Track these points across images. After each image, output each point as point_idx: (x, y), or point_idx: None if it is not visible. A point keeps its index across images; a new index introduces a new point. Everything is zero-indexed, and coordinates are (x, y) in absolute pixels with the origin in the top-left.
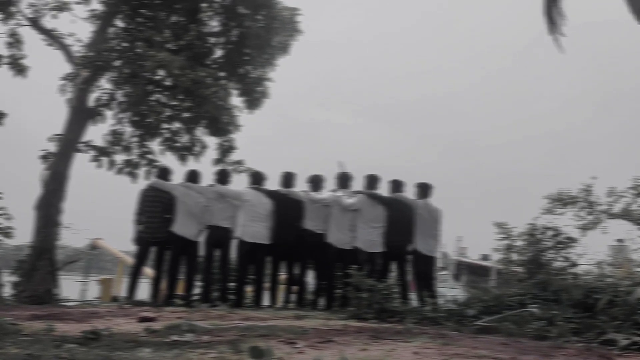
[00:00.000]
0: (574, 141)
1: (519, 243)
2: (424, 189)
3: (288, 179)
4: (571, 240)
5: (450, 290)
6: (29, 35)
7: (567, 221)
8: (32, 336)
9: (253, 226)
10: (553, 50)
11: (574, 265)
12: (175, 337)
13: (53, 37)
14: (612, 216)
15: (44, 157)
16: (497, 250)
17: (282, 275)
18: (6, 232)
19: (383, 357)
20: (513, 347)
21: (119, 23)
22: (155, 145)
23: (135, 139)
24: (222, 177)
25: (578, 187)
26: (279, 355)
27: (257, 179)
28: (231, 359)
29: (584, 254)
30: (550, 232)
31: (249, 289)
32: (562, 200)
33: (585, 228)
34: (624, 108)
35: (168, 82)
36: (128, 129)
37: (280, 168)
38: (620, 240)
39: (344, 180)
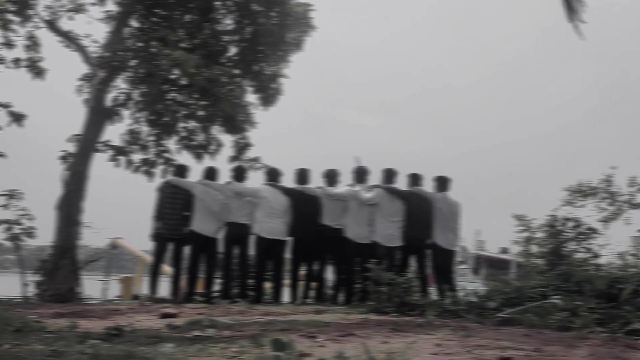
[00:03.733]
0: (590, 132)
1: (539, 235)
2: (443, 183)
3: (303, 175)
4: (592, 231)
5: (469, 284)
6: (46, 37)
7: (588, 213)
8: (56, 333)
9: (271, 222)
10: (564, 40)
11: (596, 256)
12: (197, 333)
13: (70, 39)
14: (635, 206)
15: (64, 158)
16: (516, 242)
17: (301, 272)
18: (29, 233)
19: (405, 350)
20: (536, 338)
21: (134, 23)
22: (171, 144)
23: (152, 138)
24: (239, 174)
25: (598, 177)
26: (301, 349)
27: (273, 175)
28: (252, 352)
29: (606, 245)
30: (571, 224)
31: (268, 285)
32: (582, 192)
33: (607, 220)
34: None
35: (183, 81)
36: (145, 128)
37: (297, 164)
38: None
39: (360, 174)
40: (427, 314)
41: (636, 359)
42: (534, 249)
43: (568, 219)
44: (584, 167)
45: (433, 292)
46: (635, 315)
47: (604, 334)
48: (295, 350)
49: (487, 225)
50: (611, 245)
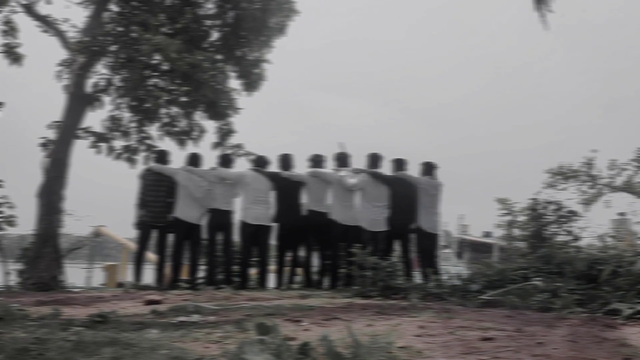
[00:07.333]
0: (576, 122)
1: (521, 218)
2: (429, 168)
3: (286, 160)
4: (573, 213)
5: (453, 268)
6: (23, 22)
7: (569, 196)
8: (39, 321)
9: (256, 208)
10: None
11: (577, 238)
12: (181, 318)
13: (48, 24)
14: (614, 189)
15: (44, 145)
16: (499, 226)
17: (287, 257)
18: (9, 221)
19: (389, 332)
20: (518, 319)
21: (114, 7)
22: (153, 130)
23: (133, 125)
24: (224, 161)
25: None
26: (285, 333)
27: (260, 163)
28: (237, 337)
29: (587, 228)
30: (552, 207)
31: (253, 271)
32: (563, 174)
33: (587, 202)
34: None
35: (165, 67)
36: (126, 115)
37: (282, 152)
38: (622, 214)
39: (345, 160)
40: (410, 297)
41: (614, 337)
42: (516, 232)
43: (549, 202)
44: (567, 155)
45: (417, 276)
46: (614, 296)
47: (583, 314)
48: (279, 334)
49: (471, 210)
50: (591, 228)
